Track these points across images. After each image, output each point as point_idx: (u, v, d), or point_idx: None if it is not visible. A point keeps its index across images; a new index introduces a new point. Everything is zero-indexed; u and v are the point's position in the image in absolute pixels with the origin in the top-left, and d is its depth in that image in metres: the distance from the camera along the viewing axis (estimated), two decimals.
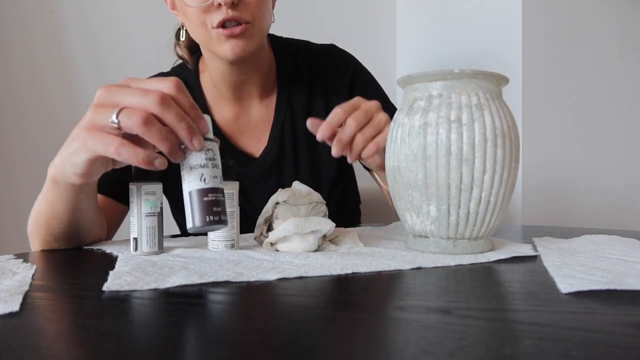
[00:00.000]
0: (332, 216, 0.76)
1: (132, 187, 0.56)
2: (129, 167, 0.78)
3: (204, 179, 0.44)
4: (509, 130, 0.54)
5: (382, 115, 0.66)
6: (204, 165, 0.45)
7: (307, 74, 0.90)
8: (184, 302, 0.37)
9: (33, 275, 0.45)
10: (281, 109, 0.88)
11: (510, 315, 0.34)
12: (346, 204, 0.94)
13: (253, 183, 0.85)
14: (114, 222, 0.80)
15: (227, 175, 0.58)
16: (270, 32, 0.85)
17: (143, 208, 0.55)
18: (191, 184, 0.44)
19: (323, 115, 0.88)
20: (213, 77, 0.84)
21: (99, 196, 0.74)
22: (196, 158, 0.45)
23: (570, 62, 1.42)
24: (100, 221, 0.66)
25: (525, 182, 1.27)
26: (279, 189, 0.62)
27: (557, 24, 1.39)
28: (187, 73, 0.88)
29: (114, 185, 0.77)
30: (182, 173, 0.46)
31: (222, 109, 0.86)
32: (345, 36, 1.62)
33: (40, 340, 0.29)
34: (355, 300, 0.37)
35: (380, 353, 0.26)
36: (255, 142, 0.88)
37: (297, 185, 0.62)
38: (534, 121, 1.32)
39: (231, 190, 0.58)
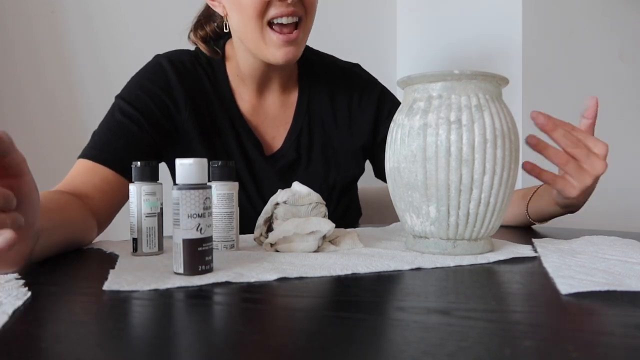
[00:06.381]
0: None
1: (132, 187, 0.56)
2: (142, 144, 0.78)
3: (200, 229, 0.44)
4: (509, 131, 0.54)
5: (599, 164, 0.64)
6: (201, 215, 0.45)
7: (331, 87, 0.91)
8: (184, 302, 0.37)
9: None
10: (300, 113, 0.88)
11: (510, 316, 0.34)
12: (348, 215, 0.94)
13: (267, 178, 0.85)
14: (122, 200, 0.75)
15: (227, 176, 0.58)
16: None
17: (143, 208, 0.55)
18: (186, 232, 0.44)
19: (345, 131, 0.90)
20: (240, 67, 0.84)
21: (107, 171, 0.72)
22: (194, 207, 0.44)
23: (570, 63, 1.42)
24: (82, 234, 0.63)
25: (525, 183, 1.26)
26: (279, 190, 0.62)
27: (557, 24, 1.39)
28: (207, 56, 0.87)
29: (124, 161, 0.72)
30: (174, 217, 0.45)
31: (243, 100, 0.87)
32: (345, 36, 1.62)
33: (40, 340, 0.29)
34: (355, 300, 0.37)
35: (380, 354, 0.26)
36: (271, 139, 0.88)
37: (296, 186, 0.62)
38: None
39: (231, 190, 0.58)
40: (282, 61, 0.76)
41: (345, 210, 0.93)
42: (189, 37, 0.89)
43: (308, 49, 0.94)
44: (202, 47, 0.85)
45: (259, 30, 0.74)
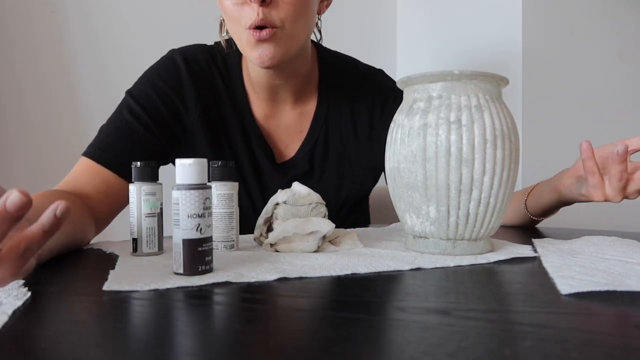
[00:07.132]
0: None
1: (132, 187, 0.56)
2: (148, 145, 0.77)
3: (200, 229, 0.44)
4: (509, 131, 0.54)
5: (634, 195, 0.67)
6: (201, 215, 0.45)
7: (352, 96, 0.87)
8: (184, 302, 0.37)
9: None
10: (317, 123, 0.85)
11: (509, 316, 0.34)
12: (357, 227, 0.94)
13: (275, 187, 0.80)
14: (122, 202, 0.75)
15: (227, 176, 0.58)
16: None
17: (143, 208, 0.55)
18: (186, 232, 0.44)
19: (364, 145, 0.87)
20: (250, 73, 0.82)
21: (110, 174, 0.72)
22: (194, 207, 0.44)
23: (570, 63, 1.42)
24: (79, 235, 0.62)
25: (526, 183, 1.26)
26: (279, 190, 0.62)
27: (557, 24, 1.39)
28: (230, 54, 0.84)
29: (127, 165, 0.69)
30: (174, 217, 0.45)
31: (256, 107, 0.84)
32: (345, 36, 1.62)
33: (40, 340, 0.29)
34: (355, 301, 0.37)
35: (380, 354, 0.26)
36: (283, 147, 0.85)
37: (296, 186, 0.62)
38: (534, 122, 1.32)
39: (231, 190, 0.58)
40: (257, 63, 0.71)
41: (354, 223, 0.91)
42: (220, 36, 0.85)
43: (329, 52, 0.90)
44: (225, 44, 0.82)
45: (240, 34, 0.71)
